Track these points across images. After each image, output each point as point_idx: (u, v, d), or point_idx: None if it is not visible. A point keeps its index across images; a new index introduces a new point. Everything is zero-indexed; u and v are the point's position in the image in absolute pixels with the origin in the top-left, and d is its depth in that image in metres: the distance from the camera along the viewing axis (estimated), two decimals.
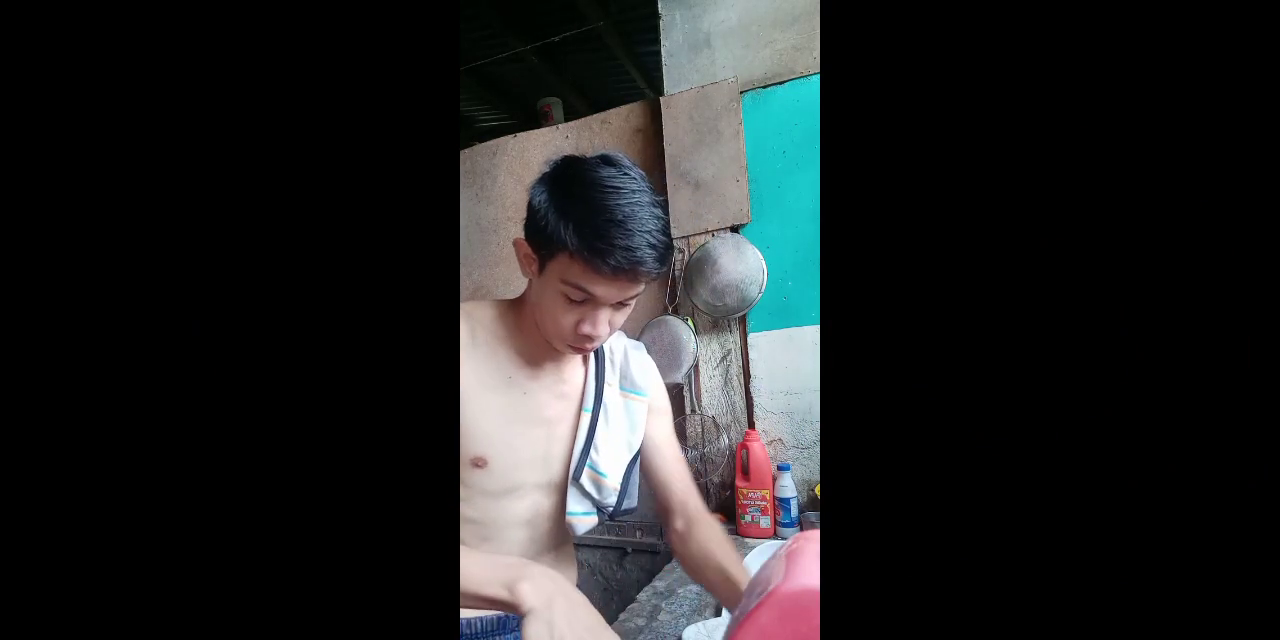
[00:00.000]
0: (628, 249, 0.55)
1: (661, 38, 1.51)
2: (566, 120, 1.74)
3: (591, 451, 0.71)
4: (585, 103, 2.80)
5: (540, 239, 0.60)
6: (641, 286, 0.61)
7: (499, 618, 0.71)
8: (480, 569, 0.52)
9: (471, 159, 1.75)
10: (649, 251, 0.56)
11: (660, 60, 1.51)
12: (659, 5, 1.51)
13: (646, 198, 0.58)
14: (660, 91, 1.50)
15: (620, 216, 0.56)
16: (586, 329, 0.61)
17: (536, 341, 0.68)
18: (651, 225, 0.57)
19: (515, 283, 1.70)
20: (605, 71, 2.64)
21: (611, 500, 0.72)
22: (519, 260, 0.65)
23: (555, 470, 0.72)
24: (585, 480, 0.70)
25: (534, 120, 2.16)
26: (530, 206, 0.62)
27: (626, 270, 0.56)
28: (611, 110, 1.61)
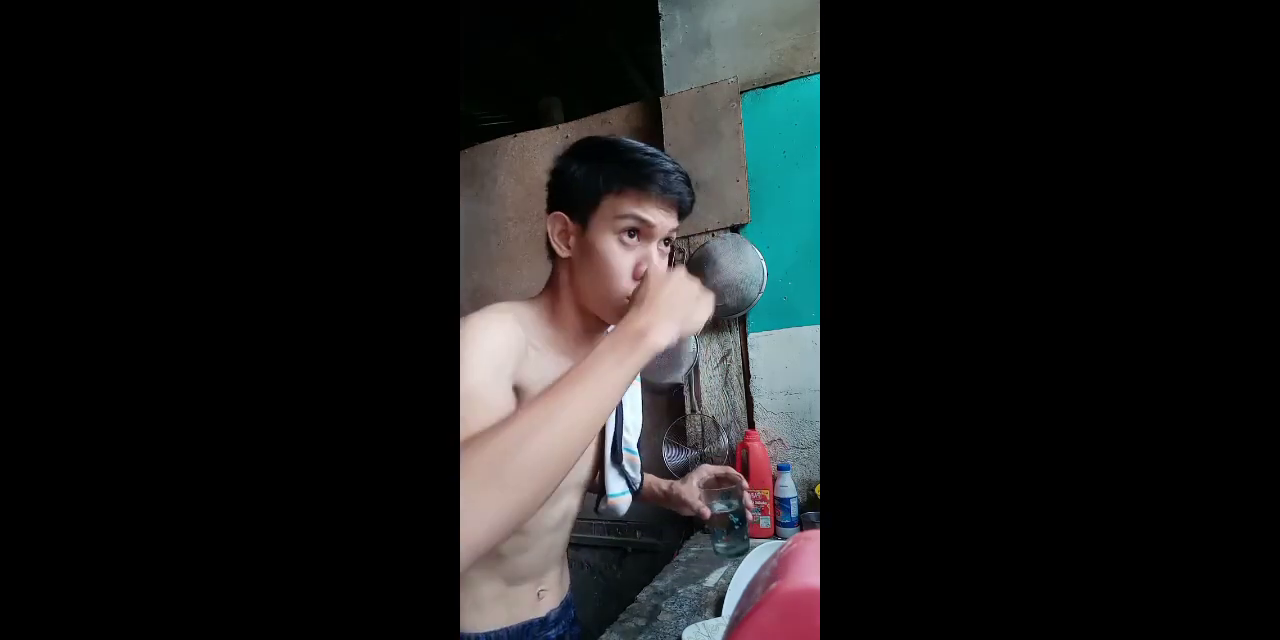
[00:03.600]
0: (665, 173, 0.63)
1: (661, 38, 1.50)
2: (566, 120, 1.74)
3: (625, 432, 0.74)
4: (585, 103, 2.80)
5: (580, 195, 0.64)
6: (678, 222, 0.66)
7: (523, 625, 0.71)
8: (589, 380, 0.47)
9: (471, 159, 1.75)
10: (679, 177, 0.64)
11: (660, 60, 1.50)
12: (659, 5, 1.51)
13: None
14: (660, 91, 1.49)
15: (649, 154, 0.64)
16: (645, 268, 0.63)
17: (575, 336, 0.69)
18: (675, 162, 0.65)
19: (515, 283, 1.69)
20: (605, 71, 2.64)
21: (638, 476, 0.75)
22: (553, 238, 0.66)
23: (585, 466, 0.73)
24: (624, 461, 0.73)
25: (534, 120, 2.16)
26: (560, 176, 0.66)
27: (671, 193, 0.63)
28: (611, 110, 1.61)
